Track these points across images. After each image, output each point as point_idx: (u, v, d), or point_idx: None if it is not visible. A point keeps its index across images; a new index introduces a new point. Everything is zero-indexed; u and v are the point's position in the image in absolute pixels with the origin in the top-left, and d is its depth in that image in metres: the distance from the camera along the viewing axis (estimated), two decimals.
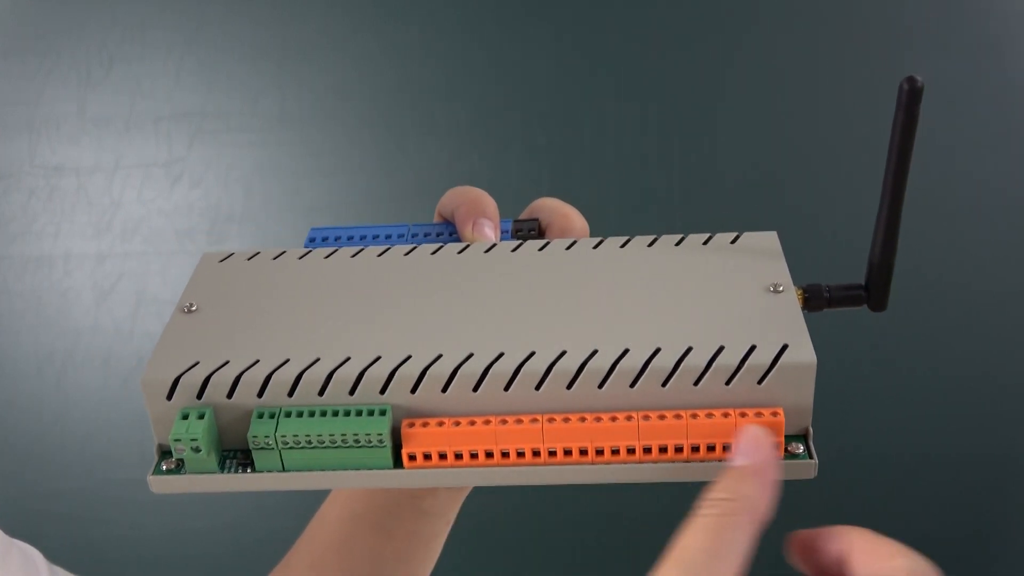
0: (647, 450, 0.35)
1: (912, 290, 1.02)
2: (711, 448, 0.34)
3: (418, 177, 1.07)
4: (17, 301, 1.10)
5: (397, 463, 0.36)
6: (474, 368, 0.35)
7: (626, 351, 0.35)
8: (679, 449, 0.35)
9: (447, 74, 1.07)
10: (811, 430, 0.35)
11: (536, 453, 0.35)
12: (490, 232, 0.44)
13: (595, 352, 0.35)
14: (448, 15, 1.06)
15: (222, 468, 0.36)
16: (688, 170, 1.06)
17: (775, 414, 0.34)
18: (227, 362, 0.36)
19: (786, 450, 0.35)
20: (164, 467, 0.36)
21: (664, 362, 0.35)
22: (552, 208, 0.46)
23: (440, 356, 0.35)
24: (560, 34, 1.06)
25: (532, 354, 0.35)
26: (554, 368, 0.35)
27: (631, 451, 0.35)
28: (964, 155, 1.04)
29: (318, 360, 0.36)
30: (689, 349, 0.35)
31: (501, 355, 0.35)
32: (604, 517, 1.10)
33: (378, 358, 0.36)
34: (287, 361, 0.36)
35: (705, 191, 1.06)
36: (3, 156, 1.10)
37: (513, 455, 0.35)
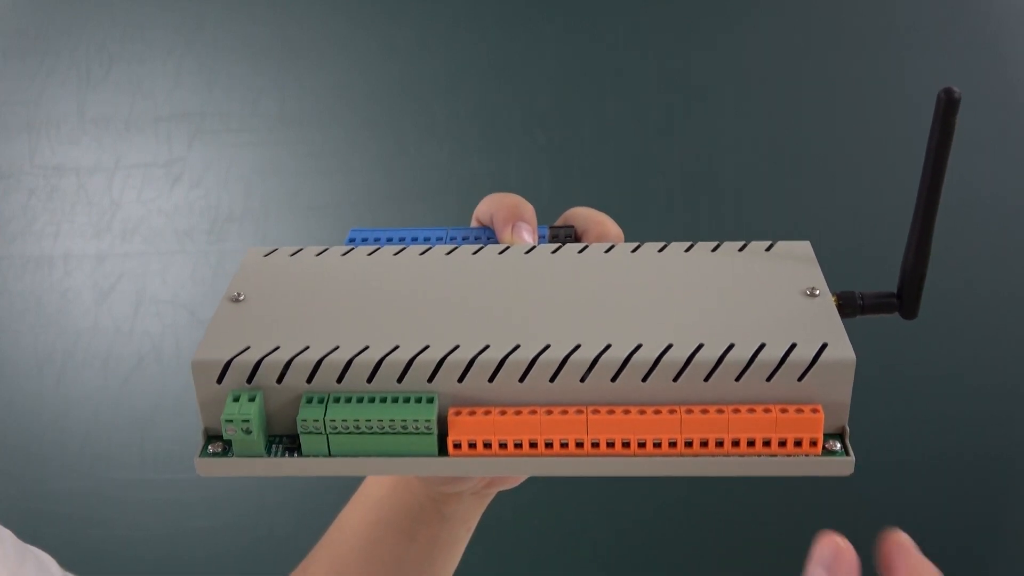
0: (688, 444, 0.35)
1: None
2: (751, 443, 0.35)
3: (418, 177, 1.07)
4: (17, 301, 1.10)
5: (442, 451, 0.36)
6: (521, 358, 0.36)
7: (670, 346, 0.36)
8: (720, 443, 0.35)
9: (447, 74, 1.07)
10: (847, 428, 0.36)
11: (580, 444, 0.36)
12: (528, 236, 0.44)
13: (639, 346, 0.36)
14: (448, 15, 1.06)
15: (269, 452, 0.36)
16: (688, 170, 1.06)
17: (815, 411, 0.35)
18: (277, 347, 0.36)
19: (824, 447, 0.35)
20: (210, 450, 0.37)
21: (707, 357, 0.35)
22: (588, 216, 0.47)
23: (488, 346, 0.36)
24: (560, 34, 1.06)
25: (578, 346, 0.36)
26: (599, 360, 0.35)
27: (673, 444, 0.35)
28: (962, 155, 1.04)
29: (367, 347, 0.36)
30: (731, 345, 0.36)
31: (548, 346, 0.36)
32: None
33: (426, 347, 0.36)
34: (336, 347, 0.36)
35: (705, 192, 1.06)
36: (3, 156, 1.10)
37: (557, 445, 0.36)
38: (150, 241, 1.10)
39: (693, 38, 1.05)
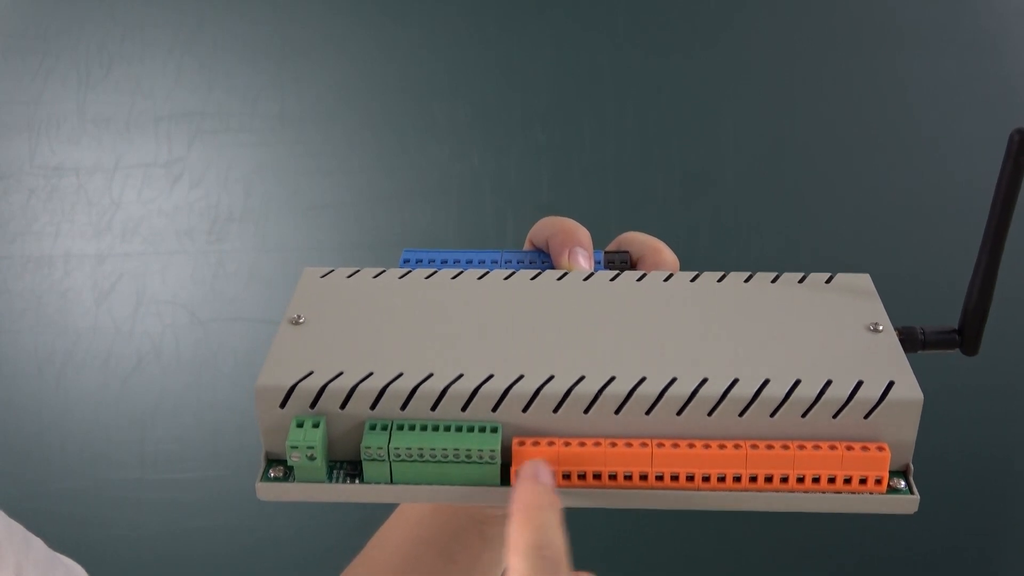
0: (753, 479, 0.35)
1: (908, 288, 1.02)
2: (816, 479, 0.35)
3: (418, 177, 1.07)
4: (17, 301, 1.10)
5: (504, 480, 0.36)
6: (587, 390, 0.36)
7: (736, 381, 0.36)
8: (784, 479, 0.35)
9: (448, 73, 1.07)
10: (911, 466, 0.36)
11: (644, 477, 0.36)
12: (584, 262, 0.44)
13: (705, 380, 0.36)
14: (448, 15, 1.06)
15: (330, 478, 0.36)
16: (688, 170, 1.06)
17: (880, 449, 0.35)
18: (341, 373, 0.36)
19: (888, 485, 0.36)
20: (272, 474, 0.37)
21: (774, 393, 0.35)
22: (643, 242, 0.47)
23: (552, 377, 0.36)
24: (560, 34, 1.06)
25: (643, 379, 0.36)
26: (665, 394, 0.35)
27: (737, 479, 0.35)
28: (962, 156, 1.04)
29: (431, 375, 0.36)
30: (798, 382, 0.36)
31: (613, 379, 0.36)
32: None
33: (491, 376, 0.36)
34: (400, 375, 0.36)
35: (705, 192, 1.06)
36: (3, 156, 1.10)
37: (620, 478, 0.36)
38: (150, 241, 1.10)
39: (693, 38, 1.05)
